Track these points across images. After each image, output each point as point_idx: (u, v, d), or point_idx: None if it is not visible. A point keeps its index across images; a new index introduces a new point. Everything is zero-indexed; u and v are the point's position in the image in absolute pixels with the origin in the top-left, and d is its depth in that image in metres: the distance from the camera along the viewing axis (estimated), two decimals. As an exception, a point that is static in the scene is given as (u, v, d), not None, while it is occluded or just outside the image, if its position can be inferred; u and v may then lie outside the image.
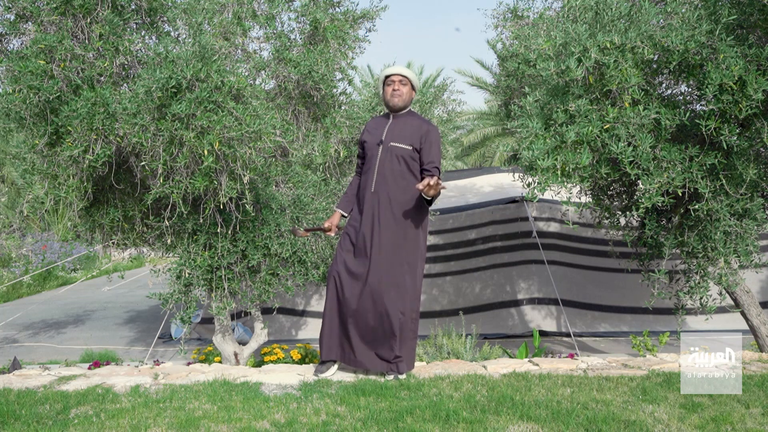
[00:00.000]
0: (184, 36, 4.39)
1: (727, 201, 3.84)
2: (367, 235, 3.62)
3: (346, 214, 3.82)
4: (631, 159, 3.50)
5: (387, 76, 3.72)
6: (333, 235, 3.86)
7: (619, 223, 4.69)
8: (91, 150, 3.80)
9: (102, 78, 3.99)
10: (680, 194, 3.78)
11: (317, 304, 7.20)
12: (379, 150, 3.66)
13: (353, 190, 3.84)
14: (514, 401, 3.13)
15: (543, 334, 6.86)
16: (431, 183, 3.35)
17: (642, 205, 3.62)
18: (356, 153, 4.40)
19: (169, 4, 4.36)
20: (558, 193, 4.14)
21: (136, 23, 4.32)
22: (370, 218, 3.63)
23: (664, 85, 4.15)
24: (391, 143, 3.64)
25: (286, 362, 5.28)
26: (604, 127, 3.51)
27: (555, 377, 3.59)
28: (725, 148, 3.60)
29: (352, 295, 3.61)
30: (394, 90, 3.69)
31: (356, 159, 3.94)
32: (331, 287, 3.68)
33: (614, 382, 3.49)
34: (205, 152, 3.65)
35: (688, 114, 3.58)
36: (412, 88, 3.73)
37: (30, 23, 4.00)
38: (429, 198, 3.53)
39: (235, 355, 4.85)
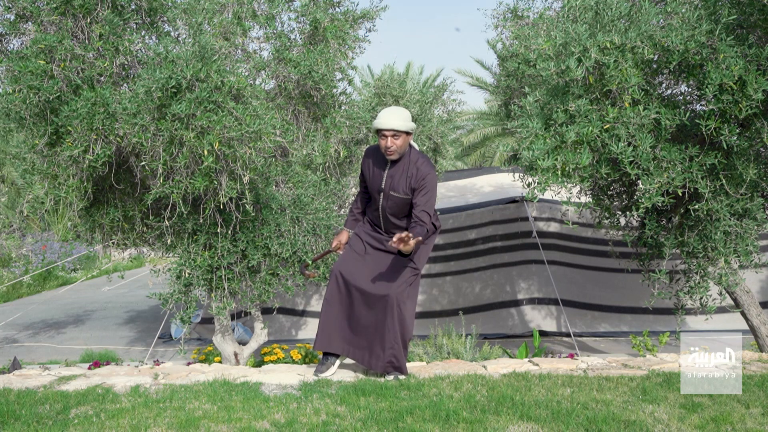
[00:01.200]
0: (184, 36, 4.39)
1: (727, 201, 3.84)
2: (376, 249, 3.69)
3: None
4: (631, 159, 3.50)
5: (377, 130, 3.57)
6: (342, 252, 3.88)
7: (619, 223, 4.69)
8: (91, 150, 3.80)
9: (102, 78, 3.99)
10: (680, 194, 3.78)
11: (317, 304, 7.19)
12: (381, 197, 3.67)
13: (360, 210, 3.88)
14: (514, 401, 3.12)
15: (543, 334, 6.85)
16: (403, 238, 3.28)
17: (642, 205, 3.62)
18: (356, 153, 4.38)
19: (169, 4, 4.36)
20: (558, 193, 4.14)
21: (136, 23, 4.31)
22: (379, 246, 3.70)
23: (664, 85, 4.15)
24: (391, 192, 3.63)
25: (286, 362, 5.28)
26: (604, 127, 3.51)
27: (555, 377, 3.59)
28: (725, 148, 3.60)
29: (350, 297, 3.64)
30: (387, 147, 3.54)
31: (359, 180, 3.91)
32: (332, 284, 3.69)
33: (614, 382, 3.49)
34: (205, 152, 3.65)
35: (688, 114, 3.58)
36: (407, 134, 3.57)
37: (30, 23, 4.00)
38: (405, 254, 3.52)
39: (235, 355, 4.85)
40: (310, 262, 4.40)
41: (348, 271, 3.65)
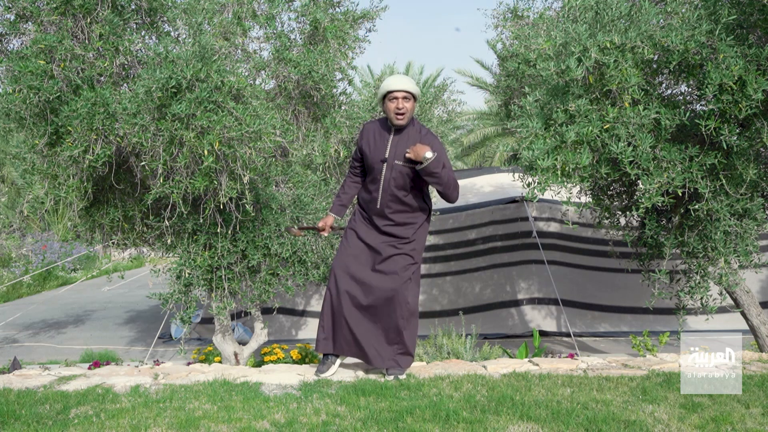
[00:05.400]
0: (184, 36, 4.39)
1: (727, 201, 3.84)
2: (373, 245, 3.64)
3: (339, 218, 3.83)
4: (631, 159, 3.50)
5: (389, 92, 3.50)
6: (327, 234, 3.88)
7: (619, 223, 4.69)
8: (91, 150, 3.81)
9: (102, 78, 4.00)
10: (680, 194, 3.78)
11: (317, 304, 7.20)
12: (383, 167, 3.56)
13: (347, 195, 3.82)
14: (514, 401, 3.12)
15: (543, 334, 6.86)
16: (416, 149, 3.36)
17: (642, 205, 3.62)
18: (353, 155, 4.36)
19: (169, 4, 4.36)
20: (558, 193, 4.14)
21: (136, 23, 4.32)
22: (377, 230, 3.65)
23: (664, 85, 4.15)
24: (396, 161, 3.54)
25: (286, 362, 5.28)
26: (604, 127, 3.51)
27: (555, 377, 3.59)
28: (725, 148, 3.60)
29: (352, 294, 3.63)
30: (398, 108, 3.47)
31: (351, 161, 3.83)
32: (332, 285, 3.69)
33: (614, 382, 3.49)
34: (205, 152, 3.65)
35: (688, 114, 3.58)
36: (415, 100, 3.56)
37: (30, 23, 4.01)
38: (422, 163, 3.41)
39: (235, 355, 4.85)
40: (295, 227, 4.31)
41: (347, 271, 3.65)
